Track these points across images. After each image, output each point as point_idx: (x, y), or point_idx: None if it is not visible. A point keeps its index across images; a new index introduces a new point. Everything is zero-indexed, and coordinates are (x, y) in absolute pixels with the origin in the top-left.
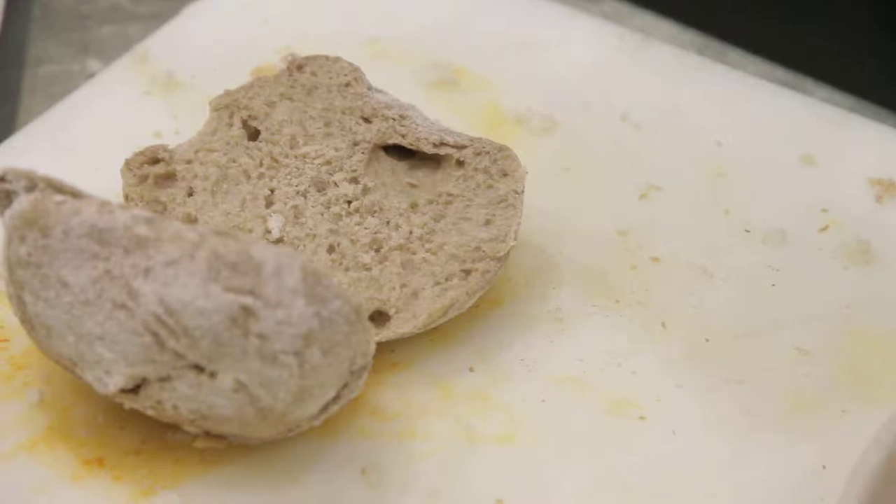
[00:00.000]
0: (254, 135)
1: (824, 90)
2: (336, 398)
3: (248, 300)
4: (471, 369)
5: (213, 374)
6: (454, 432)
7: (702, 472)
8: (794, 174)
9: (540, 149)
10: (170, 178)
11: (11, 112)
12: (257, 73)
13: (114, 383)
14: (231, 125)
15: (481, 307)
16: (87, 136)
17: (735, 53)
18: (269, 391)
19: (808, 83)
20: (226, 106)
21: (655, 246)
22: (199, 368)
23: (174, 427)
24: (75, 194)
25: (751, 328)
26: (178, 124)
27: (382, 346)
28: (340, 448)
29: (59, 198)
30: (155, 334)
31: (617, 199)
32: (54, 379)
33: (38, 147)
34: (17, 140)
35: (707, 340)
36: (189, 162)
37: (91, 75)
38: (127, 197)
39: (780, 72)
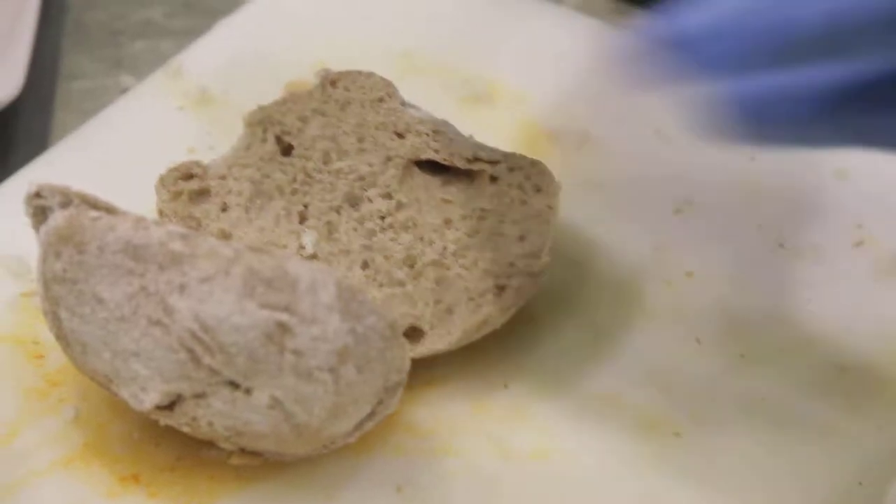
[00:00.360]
0: (287, 150)
1: None
2: (371, 414)
3: (284, 316)
4: (505, 385)
5: (248, 391)
6: (489, 449)
7: (737, 489)
8: (828, 189)
9: (574, 164)
10: (204, 194)
11: (45, 127)
12: (290, 87)
13: (149, 400)
14: (265, 140)
15: (516, 323)
16: (120, 151)
17: None
18: (305, 407)
19: None
20: (259, 121)
21: (690, 261)
22: (234, 385)
23: (209, 443)
24: (110, 210)
25: (786, 344)
26: (211, 140)
27: (416, 363)
28: (376, 465)
29: (93, 214)
30: (190, 351)
31: (651, 214)
32: (90, 395)
33: (72, 162)
34: (50, 155)
35: (742, 356)
36: (223, 178)
37: (124, 90)
38: (161, 213)
39: None
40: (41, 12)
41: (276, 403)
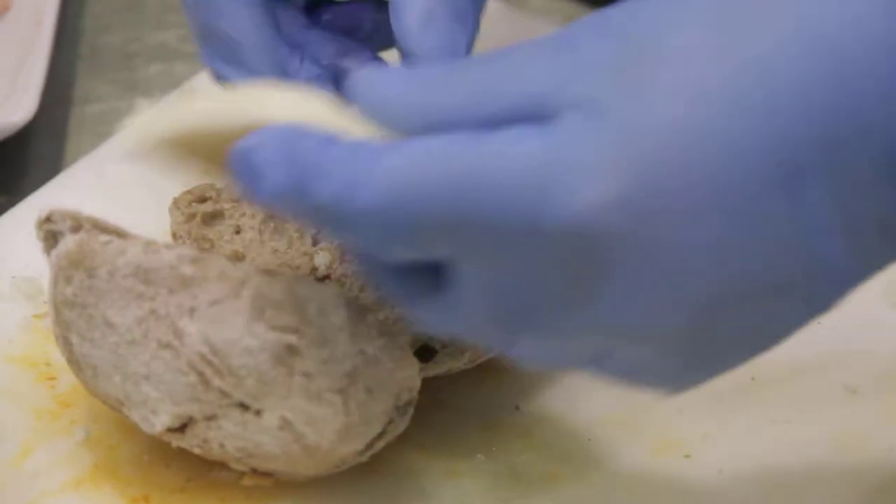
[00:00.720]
0: None
1: None
2: (382, 434)
3: (293, 339)
4: (516, 407)
5: (258, 412)
6: (499, 470)
7: None
8: None
9: None
10: (217, 216)
11: (59, 150)
12: None
13: (160, 423)
14: None
15: None
16: (134, 174)
17: None
18: (315, 428)
19: None
20: None
21: None
22: (244, 406)
23: (220, 465)
24: (120, 234)
25: (797, 366)
26: None
27: (427, 384)
28: (386, 485)
29: (104, 238)
30: (200, 374)
31: None
32: (101, 417)
33: (86, 186)
34: (64, 178)
35: (753, 379)
36: (236, 201)
37: (138, 113)
38: (175, 235)
39: None
40: (55, 36)
41: (286, 424)
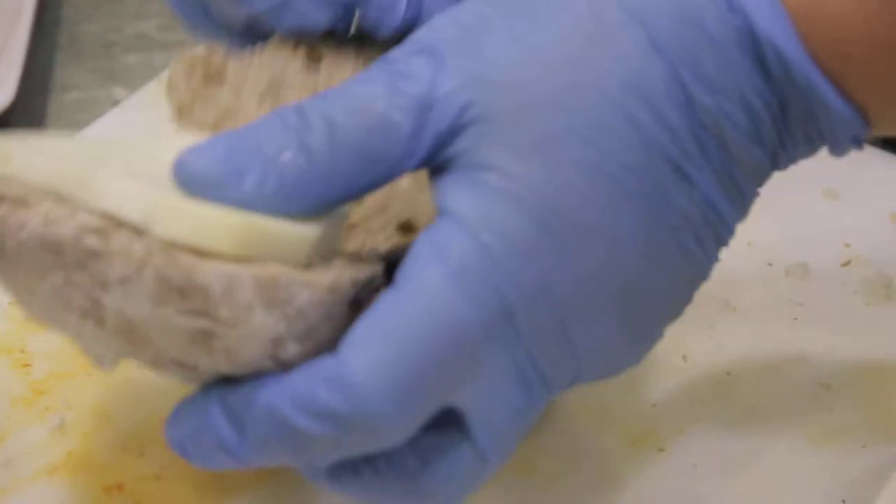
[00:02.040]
0: (316, 63)
1: None
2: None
3: (203, 323)
4: None
5: (195, 367)
6: None
7: None
8: (817, 208)
9: None
10: (219, 76)
11: None
12: None
13: (110, 364)
14: (294, 55)
15: None
16: None
17: None
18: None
19: None
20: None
21: None
22: (180, 363)
23: None
24: (20, 200)
25: (772, 362)
26: None
27: None
28: None
29: (3, 210)
30: (129, 341)
31: None
32: (76, 405)
33: None
34: None
35: (728, 374)
36: (242, 68)
37: (117, 102)
38: (171, 85)
39: None
40: (34, 24)
41: (225, 375)
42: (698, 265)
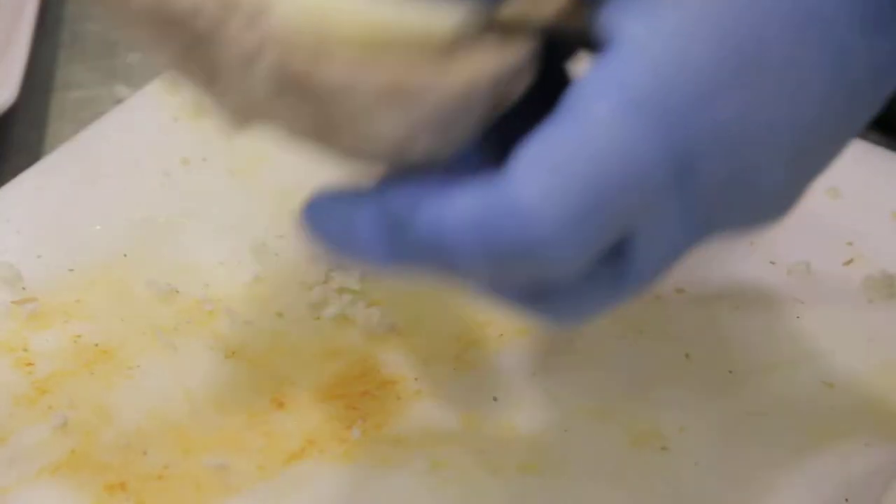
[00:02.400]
0: None
1: None
2: None
3: (323, 122)
4: (494, 398)
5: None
6: (477, 461)
7: None
8: (820, 207)
9: None
10: None
11: (40, 137)
12: None
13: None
14: None
15: (506, 336)
16: (115, 161)
17: None
18: None
19: None
20: None
21: (680, 277)
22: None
23: (197, 452)
24: None
25: (775, 360)
26: (206, 150)
27: (406, 374)
28: (362, 476)
29: None
30: (249, 119)
31: None
32: (78, 403)
33: (66, 172)
34: (44, 164)
35: (730, 372)
36: None
37: (119, 101)
38: None
39: None
40: (37, 22)
41: None
42: (870, 111)
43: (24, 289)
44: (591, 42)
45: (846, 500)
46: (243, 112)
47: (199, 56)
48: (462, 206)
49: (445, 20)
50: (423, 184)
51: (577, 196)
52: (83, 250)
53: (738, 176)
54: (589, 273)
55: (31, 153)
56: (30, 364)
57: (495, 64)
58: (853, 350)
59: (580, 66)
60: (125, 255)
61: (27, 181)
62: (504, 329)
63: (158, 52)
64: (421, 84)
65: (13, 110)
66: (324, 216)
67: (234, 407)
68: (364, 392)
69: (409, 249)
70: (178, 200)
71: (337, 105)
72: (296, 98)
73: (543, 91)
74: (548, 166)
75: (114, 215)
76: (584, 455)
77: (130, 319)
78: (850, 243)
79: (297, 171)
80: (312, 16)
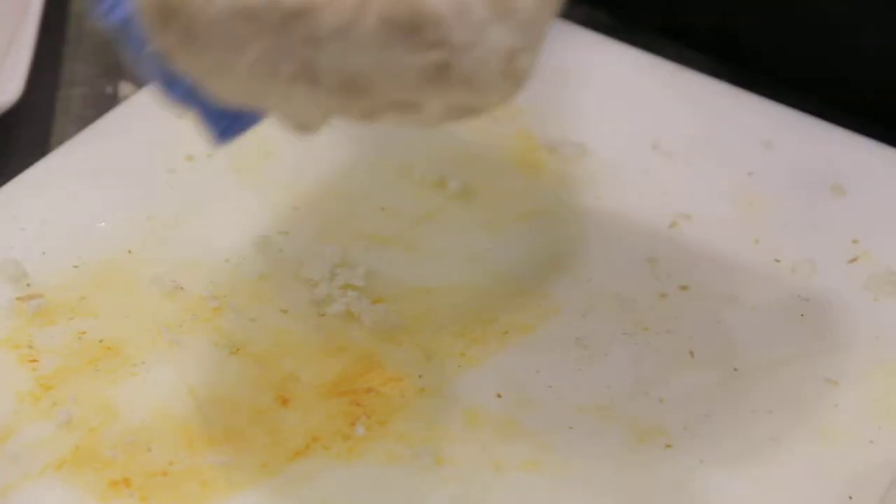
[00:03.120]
0: None
1: (855, 120)
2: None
3: (437, 55)
4: (498, 395)
5: (419, 107)
6: (480, 458)
7: (728, 502)
8: (825, 204)
9: (571, 177)
10: None
11: (45, 133)
12: None
13: (314, 130)
14: None
15: (510, 333)
16: (120, 158)
17: (766, 84)
18: (483, 99)
19: (839, 113)
20: None
21: (685, 274)
22: (403, 105)
23: (201, 449)
24: None
25: (779, 358)
26: (209, 147)
27: (410, 371)
28: (367, 473)
29: None
30: (344, 95)
31: (647, 227)
32: (83, 400)
33: (71, 169)
34: (50, 161)
35: (735, 370)
36: None
37: (124, 98)
38: None
39: (810, 102)
40: (42, 20)
41: (450, 109)
42: None
43: (28, 285)
44: None
45: (850, 497)
46: (334, 97)
47: (292, 36)
48: None
49: None
50: None
51: None
52: (88, 247)
53: None
54: None
55: (36, 150)
56: (34, 360)
57: None
58: (858, 348)
59: None
60: (130, 252)
61: (32, 178)
62: (508, 326)
63: (237, 61)
64: None
65: (19, 107)
66: None
67: (238, 404)
68: (368, 389)
69: None
70: (183, 197)
71: (451, 29)
72: (405, 39)
73: None
74: None
75: (119, 212)
76: (588, 453)
77: (135, 316)
78: (855, 241)
79: (301, 167)
80: None
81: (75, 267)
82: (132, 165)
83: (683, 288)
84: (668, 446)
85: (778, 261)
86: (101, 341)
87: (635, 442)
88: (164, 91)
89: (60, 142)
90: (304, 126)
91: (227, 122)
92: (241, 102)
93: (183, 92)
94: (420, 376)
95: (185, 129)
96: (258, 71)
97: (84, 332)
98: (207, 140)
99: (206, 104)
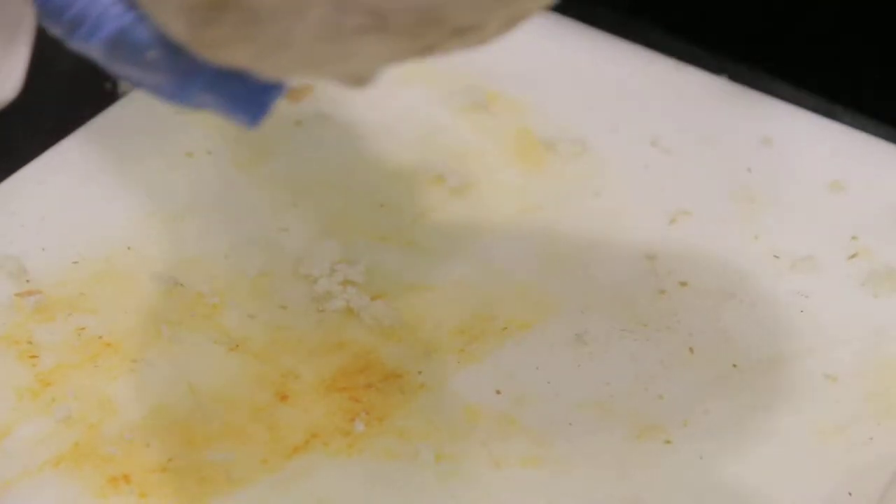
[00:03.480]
0: None
1: (854, 116)
2: None
3: None
4: (498, 392)
5: (482, 28)
6: (480, 455)
7: (727, 498)
8: (824, 200)
9: (570, 173)
10: None
11: (44, 130)
12: (293, 96)
13: (369, 81)
14: None
15: (509, 329)
16: (119, 154)
17: (765, 80)
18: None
19: (838, 109)
20: None
21: (684, 271)
22: (466, 30)
23: (201, 445)
24: None
25: (778, 354)
26: (209, 144)
27: (410, 367)
28: (367, 469)
29: None
30: (415, 32)
31: (646, 223)
32: (82, 396)
33: (71, 165)
34: (49, 158)
35: (734, 366)
36: None
37: (123, 94)
38: None
39: (810, 98)
40: None
41: (509, 21)
42: None
43: (28, 281)
44: None
45: (849, 493)
46: (404, 37)
47: None
48: None
49: None
50: None
51: None
52: (88, 243)
53: None
54: None
55: (35, 146)
56: (34, 356)
57: None
58: (857, 344)
59: None
60: (129, 248)
61: (32, 174)
62: (507, 323)
63: (297, 29)
64: None
65: (17, 103)
66: None
67: (237, 400)
68: (368, 385)
69: None
70: (183, 194)
71: None
72: None
73: None
74: None
75: (118, 208)
76: (587, 449)
77: (134, 312)
78: (854, 237)
79: (300, 164)
80: None
81: (75, 263)
82: (131, 162)
83: (683, 284)
84: (668, 442)
85: (777, 257)
86: (100, 337)
87: (635, 438)
88: (174, 92)
89: (60, 138)
90: (360, 79)
91: (256, 100)
92: (297, 75)
93: (202, 84)
94: (419, 372)
95: (185, 126)
96: (320, 33)
97: (83, 329)
98: (239, 123)
99: (230, 91)
